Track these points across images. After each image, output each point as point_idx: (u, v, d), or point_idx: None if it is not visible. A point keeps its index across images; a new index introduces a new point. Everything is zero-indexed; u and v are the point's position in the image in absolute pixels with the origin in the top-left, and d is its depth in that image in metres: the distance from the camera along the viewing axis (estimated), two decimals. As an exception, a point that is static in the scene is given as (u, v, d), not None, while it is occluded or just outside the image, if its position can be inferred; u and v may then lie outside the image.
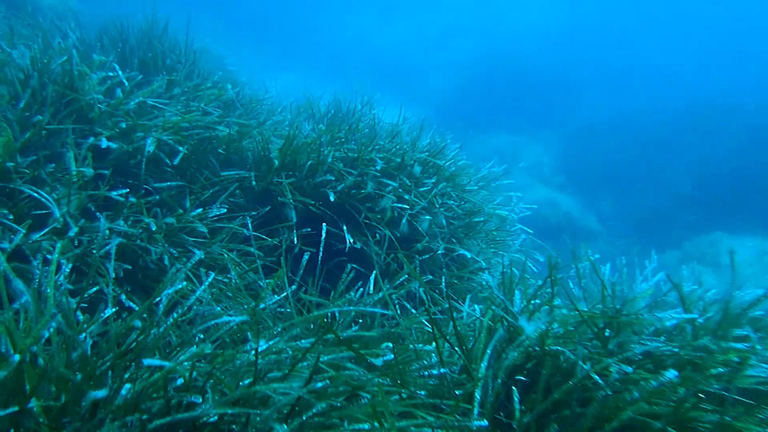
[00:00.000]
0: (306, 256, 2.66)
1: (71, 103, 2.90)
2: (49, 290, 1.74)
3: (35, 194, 2.11)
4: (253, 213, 3.07)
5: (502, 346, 1.67)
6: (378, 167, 3.03)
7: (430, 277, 3.03)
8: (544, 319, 1.76)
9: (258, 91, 5.36)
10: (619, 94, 18.42)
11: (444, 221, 3.24)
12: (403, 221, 3.01)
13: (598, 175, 15.31)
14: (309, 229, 3.07)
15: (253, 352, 1.36)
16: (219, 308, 2.05)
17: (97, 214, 2.44)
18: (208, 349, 1.34)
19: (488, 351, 1.63)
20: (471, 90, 19.28)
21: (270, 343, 1.55)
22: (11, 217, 2.14)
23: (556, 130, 17.59)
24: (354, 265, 3.08)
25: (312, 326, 2.15)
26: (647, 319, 1.95)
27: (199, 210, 2.75)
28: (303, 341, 1.63)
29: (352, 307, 2.03)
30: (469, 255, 3.02)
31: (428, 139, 4.29)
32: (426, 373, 1.66)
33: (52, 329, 1.32)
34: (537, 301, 1.93)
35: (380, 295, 2.10)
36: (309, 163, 3.06)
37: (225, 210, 2.85)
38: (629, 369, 1.57)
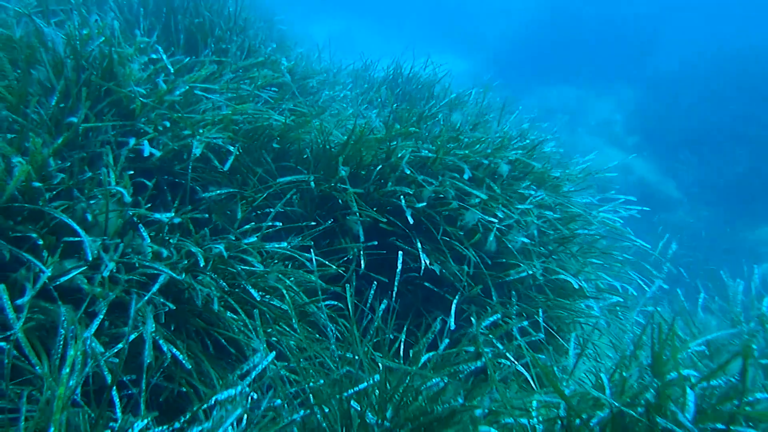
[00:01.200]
0: (374, 286, 2.25)
1: (110, 92, 2.52)
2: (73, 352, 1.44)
3: (65, 220, 1.78)
4: (312, 223, 2.66)
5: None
6: (466, 176, 2.49)
7: (523, 305, 2.54)
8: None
9: (312, 61, 4.79)
10: (713, 31, 15.88)
11: (536, 232, 2.69)
12: (490, 238, 2.49)
13: (680, 134, 13.55)
14: (375, 243, 2.64)
15: None
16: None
17: (138, 238, 2.11)
18: None
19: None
20: (533, 37, 17.39)
21: None
22: (41, 243, 1.84)
23: (631, 82, 15.64)
24: (428, 285, 2.64)
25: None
26: None
27: (252, 228, 2.37)
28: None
29: (440, 379, 1.61)
30: (573, 282, 2.48)
31: (510, 127, 3.61)
32: None
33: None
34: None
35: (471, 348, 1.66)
36: (378, 168, 2.56)
37: (280, 225, 2.45)
38: None
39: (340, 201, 2.72)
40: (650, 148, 12.85)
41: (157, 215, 1.99)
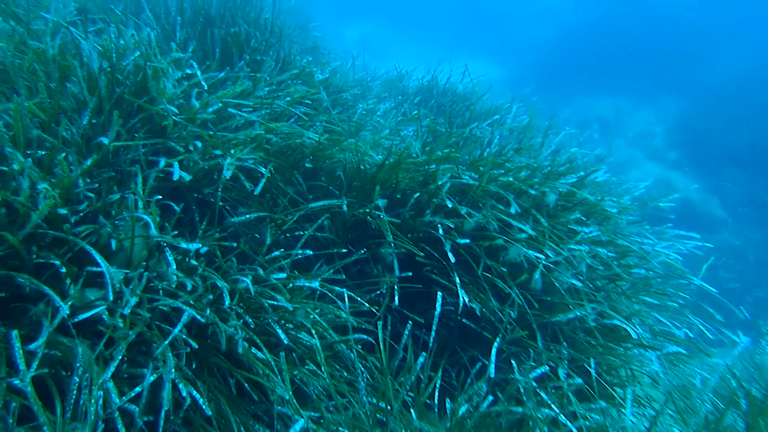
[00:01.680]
0: (408, 327, 2.08)
1: (143, 107, 2.45)
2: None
3: (89, 251, 1.68)
4: (343, 251, 2.51)
5: None
6: (513, 209, 2.29)
7: (571, 350, 2.31)
8: None
9: (346, 72, 4.67)
10: (762, 41, 15.01)
11: (585, 268, 2.46)
12: (536, 276, 2.29)
13: (726, 149, 12.81)
14: (410, 273, 2.47)
15: None
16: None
17: (163, 262, 2.01)
18: None
19: None
20: (569, 45, 16.83)
21: None
22: (64, 270, 1.75)
23: (673, 93, 14.91)
24: (466, 321, 2.45)
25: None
26: None
27: (282, 255, 2.24)
28: None
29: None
30: (631, 331, 2.24)
31: (556, 147, 3.37)
32: None
33: None
34: None
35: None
36: (416, 195, 2.39)
37: (311, 253, 2.31)
38: None
39: (373, 227, 2.57)
40: (693, 164, 12.20)
41: (184, 244, 1.88)
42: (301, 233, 2.71)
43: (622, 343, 2.37)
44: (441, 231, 2.40)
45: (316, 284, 1.95)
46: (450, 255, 2.17)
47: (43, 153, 2.04)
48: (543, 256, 2.28)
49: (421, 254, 2.23)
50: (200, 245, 1.88)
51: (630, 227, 2.92)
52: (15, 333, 1.33)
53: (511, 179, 2.51)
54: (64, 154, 2.03)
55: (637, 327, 2.33)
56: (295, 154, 2.88)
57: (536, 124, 4.98)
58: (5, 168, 1.64)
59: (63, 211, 1.68)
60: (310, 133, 2.82)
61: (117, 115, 2.04)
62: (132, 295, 1.64)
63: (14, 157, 1.54)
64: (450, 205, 2.25)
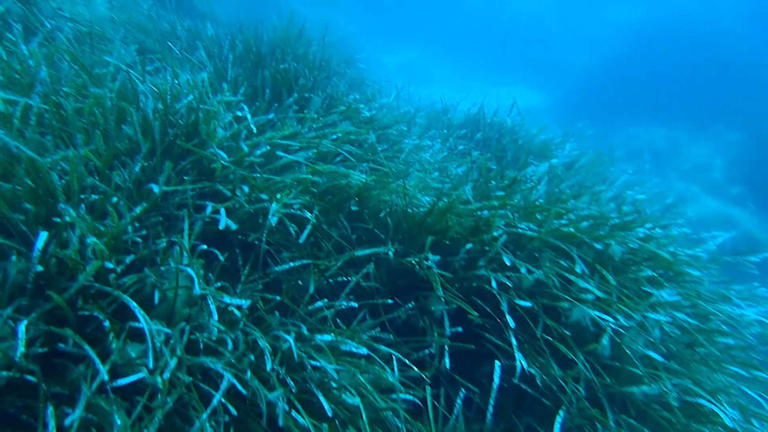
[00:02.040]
0: (461, 395, 1.89)
1: (193, 151, 2.44)
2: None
3: (131, 307, 1.63)
4: (389, 301, 2.37)
5: None
6: (578, 268, 2.08)
7: (645, 429, 2.03)
8: None
9: (391, 103, 4.62)
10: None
11: (659, 333, 2.19)
12: (604, 341, 2.04)
13: (795, 185, 11.82)
14: (460, 329, 2.28)
15: None
16: None
17: (205, 312, 1.93)
18: None
19: None
20: (618, 70, 16.27)
21: None
22: (107, 324, 1.70)
23: (734, 125, 14.01)
24: (523, 386, 2.22)
25: None
26: None
27: (326, 305, 2.12)
28: None
29: None
30: (722, 416, 1.94)
31: (618, 191, 3.11)
32: None
33: None
34: None
35: None
36: (468, 246, 2.23)
37: (356, 305, 2.18)
38: None
39: (422, 275, 2.41)
40: (758, 200, 11.30)
41: (227, 298, 1.80)
42: (345, 279, 2.60)
43: (707, 423, 2.06)
44: (495, 284, 2.22)
45: (363, 350, 1.80)
46: (508, 318, 1.98)
47: (96, 198, 2.05)
48: (612, 319, 2.04)
49: (475, 314, 2.05)
50: (243, 302, 1.79)
51: (708, 283, 2.61)
52: (50, 410, 1.26)
53: (572, 230, 2.30)
54: (115, 199, 2.04)
55: (725, 406, 2.02)
56: (340, 195, 2.80)
57: (590, 160, 4.72)
58: (58, 219, 1.62)
59: (110, 265, 1.64)
60: (356, 173, 2.74)
61: (168, 163, 2.03)
62: (172, 356, 1.56)
63: (66, 212, 1.52)
64: (508, 263, 2.07)
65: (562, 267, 2.16)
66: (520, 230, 2.30)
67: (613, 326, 2.05)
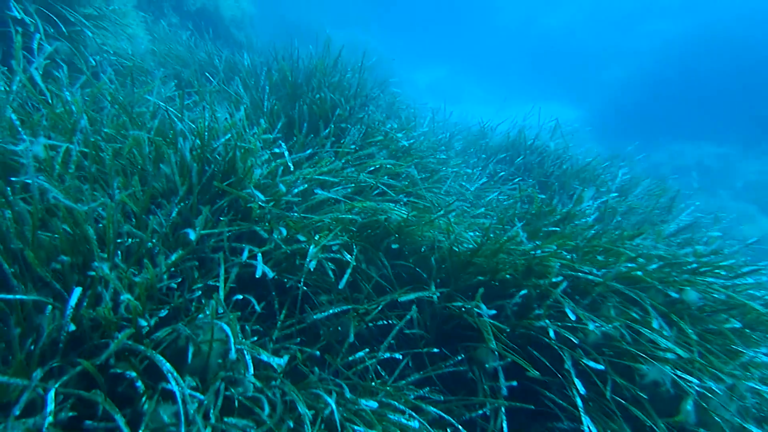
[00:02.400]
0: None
1: (229, 192, 2.37)
2: None
3: (162, 368, 1.52)
4: (435, 350, 2.19)
5: None
6: (655, 323, 1.84)
7: None
8: None
9: (427, 133, 4.48)
10: None
11: (748, 394, 1.90)
12: (687, 406, 1.78)
13: None
14: (515, 383, 2.06)
15: None
16: None
17: (241, 365, 1.80)
18: None
19: None
20: (661, 84, 15.63)
21: None
22: (139, 384, 1.59)
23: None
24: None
25: None
26: None
27: (368, 354, 1.96)
28: None
29: None
30: None
31: (684, 224, 2.83)
32: None
33: None
34: None
35: None
36: (522, 293, 2.02)
37: (399, 357, 2.01)
38: None
39: (470, 322, 2.22)
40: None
41: (265, 356, 1.67)
42: (386, 323, 2.44)
43: None
44: (553, 333, 2.00)
45: (415, 424, 1.62)
46: (576, 382, 1.75)
47: (131, 242, 1.99)
48: (695, 380, 1.78)
49: (536, 373, 1.83)
50: (281, 360, 1.66)
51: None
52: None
53: (640, 274, 2.06)
54: (150, 244, 1.97)
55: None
56: (379, 232, 2.66)
57: (643, 185, 4.41)
58: (93, 273, 1.55)
59: (144, 323, 1.55)
60: (397, 208, 2.59)
61: (205, 206, 1.95)
62: (206, 424, 1.44)
63: (100, 268, 1.44)
64: (573, 317, 1.85)
65: (631, 317, 1.92)
66: (582, 275, 2.08)
67: (697, 388, 1.79)
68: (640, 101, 15.04)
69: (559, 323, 2.00)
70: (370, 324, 2.41)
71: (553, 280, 2.00)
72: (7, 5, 3.80)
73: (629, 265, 2.09)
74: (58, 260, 1.68)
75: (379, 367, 2.29)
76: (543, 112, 6.39)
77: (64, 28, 4.11)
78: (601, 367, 1.73)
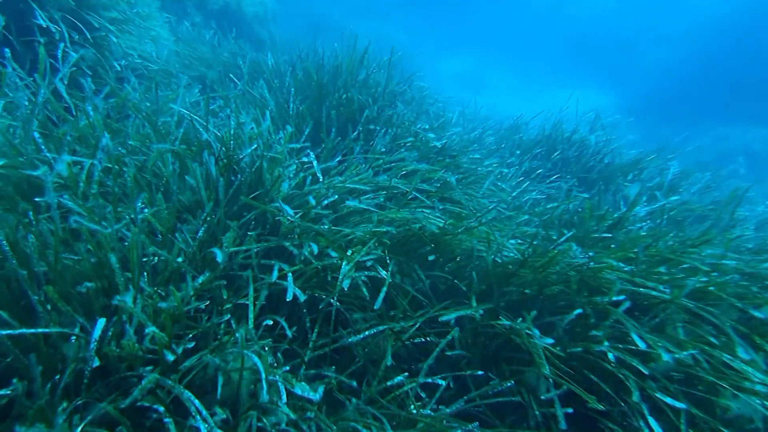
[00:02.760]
0: None
1: (254, 201, 2.25)
2: None
3: (191, 407, 1.41)
4: (479, 372, 2.02)
5: None
6: (742, 352, 1.61)
7: None
8: None
9: (460, 132, 4.26)
10: None
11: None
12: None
13: None
14: (570, 410, 1.88)
15: None
16: None
17: (274, 393, 1.69)
18: None
19: None
20: (705, 67, 14.72)
21: None
22: (168, 420, 1.49)
23: None
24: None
25: None
26: None
27: (406, 378, 1.82)
28: None
29: None
30: None
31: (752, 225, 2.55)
32: None
33: None
34: None
35: None
36: (577, 312, 1.82)
37: (443, 383, 1.86)
38: None
39: (520, 344, 2.04)
40: None
41: (298, 390, 1.55)
42: (423, 340, 2.29)
43: None
44: (613, 357, 1.80)
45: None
46: (652, 424, 1.55)
47: (157, 260, 1.90)
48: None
49: (598, 406, 1.64)
50: (315, 395, 1.53)
51: None
52: None
53: (713, 289, 1.83)
54: (176, 264, 1.87)
55: None
56: (413, 242, 2.50)
57: (695, 178, 4.09)
58: (117, 302, 1.45)
59: (170, 357, 1.44)
60: (432, 217, 2.43)
61: (232, 222, 1.83)
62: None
63: (123, 304, 1.34)
64: (642, 344, 1.64)
65: (707, 340, 1.70)
66: (642, 290, 1.86)
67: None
68: (681, 85, 14.23)
69: (620, 345, 1.80)
70: (408, 342, 2.26)
71: (614, 298, 1.79)
72: (32, 14, 3.79)
73: (703, 279, 1.85)
74: (82, 285, 1.60)
75: (419, 390, 2.14)
76: (576, 100, 6.04)
77: (88, 34, 4.09)
78: (681, 405, 1.52)
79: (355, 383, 1.76)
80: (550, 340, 1.72)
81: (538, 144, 4.77)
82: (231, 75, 5.04)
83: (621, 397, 1.84)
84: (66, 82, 2.79)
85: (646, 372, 1.59)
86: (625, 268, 2.03)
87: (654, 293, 1.85)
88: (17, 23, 3.81)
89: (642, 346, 1.62)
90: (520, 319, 1.99)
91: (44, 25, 3.74)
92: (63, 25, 3.85)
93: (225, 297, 1.95)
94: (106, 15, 4.67)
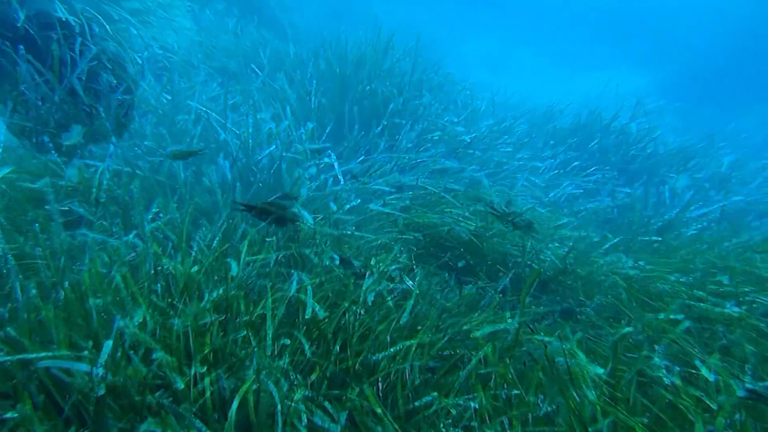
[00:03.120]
0: None
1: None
2: None
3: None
4: (516, 392, 1.85)
5: None
6: None
7: None
8: None
9: (491, 125, 4.01)
10: None
11: None
12: None
13: None
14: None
15: None
16: None
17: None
18: None
19: None
20: (744, 47, 13.69)
21: None
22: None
23: None
24: None
25: None
26: None
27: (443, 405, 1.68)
28: None
29: None
30: None
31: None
32: None
33: None
34: None
35: None
36: (626, 330, 1.63)
37: (474, 407, 1.71)
38: None
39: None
40: None
41: (318, 420, 1.43)
42: (451, 353, 2.15)
43: None
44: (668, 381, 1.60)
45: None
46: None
47: (170, 271, 1.81)
48: None
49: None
50: (337, 427, 1.40)
51: None
52: None
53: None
54: (191, 275, 1.77)
55: None
56: (443, 246, 2.34)
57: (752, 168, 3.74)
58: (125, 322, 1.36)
59: (180, 385, 1.34)
60: (462, 219, 2.25)
61: (251, 229, 1.71)
62: None
63: (127, 328, 1.24)
64: (712, 378, 1.44)
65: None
66: (702, 305, 1.64)
67: None
68: (719, 64, 13.30)
69: (678, 368, 1.60)
70: (435, 355, 2.12)
71: (671, 317, 1.59)
72: (53, 6, 3.74)
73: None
74: (89, 303, 1.51)
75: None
76: (613, 84, 5.67)
77: (108, 28, 4.02)
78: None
79: (380, 410, 1.62)
80: (600, 370, 1.54)
81: (574, 133, 4.47)
82: (253, 65, 4.92)
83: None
84: (84, 78, 2.71)
85: (713, 406, 1.40)
86: (681, 279, 1.81)
87: (717, 309, 1.63)
88: (37, 18, 3.77)
89: (711, 379, 1.42)
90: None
91: (63, 18, 3.69)
92: (83, 18, 3.79)
93: (242, 309, 1.85)
94: (127, 6, 4.60)
